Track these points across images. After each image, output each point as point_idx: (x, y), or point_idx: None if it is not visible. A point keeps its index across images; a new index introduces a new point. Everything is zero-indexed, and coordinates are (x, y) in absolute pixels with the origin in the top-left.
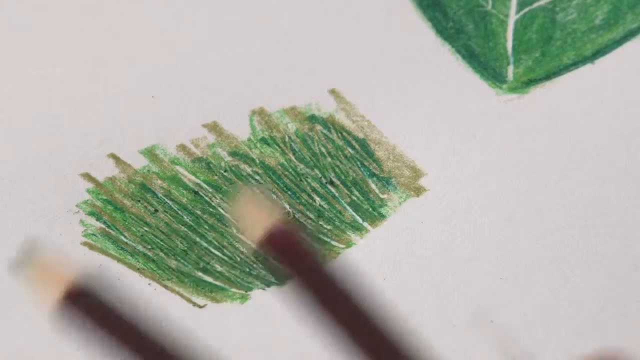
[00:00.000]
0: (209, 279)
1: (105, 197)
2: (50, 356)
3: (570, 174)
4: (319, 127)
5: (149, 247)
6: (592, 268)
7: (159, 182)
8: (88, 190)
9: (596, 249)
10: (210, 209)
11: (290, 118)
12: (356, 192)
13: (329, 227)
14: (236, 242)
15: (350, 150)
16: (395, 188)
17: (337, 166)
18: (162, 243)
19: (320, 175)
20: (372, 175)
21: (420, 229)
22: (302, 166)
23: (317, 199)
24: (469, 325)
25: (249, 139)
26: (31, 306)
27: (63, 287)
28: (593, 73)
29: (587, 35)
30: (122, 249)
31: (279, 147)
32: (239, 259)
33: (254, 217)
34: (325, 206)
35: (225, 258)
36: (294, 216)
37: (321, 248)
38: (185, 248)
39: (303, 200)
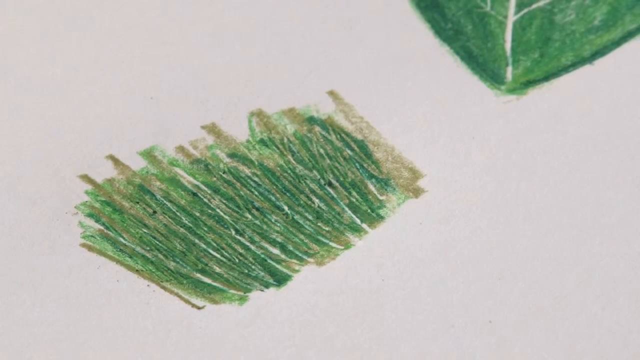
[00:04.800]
0: (208, 281)
1: (103, 199)
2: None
3: (569, 174)
4: (317, 129)
5: (148, 248)
6: (591, 268)
7: (158, 183)
8: (87, 192)
9: (595, 249)
10: (209, 211)
11: (289, 119)
12: (355, 194)
13: (327, 229)
14: (234, 243)
15: (349, 151)
16: (394, 189)
17: (336, 167)
18: (160, 244)
19: (319, 177)
20: (371, 176)
21: (419, 230)
22: (300, 167)
23: (316, 200)
24: (467, 325)
25: (248, 141)
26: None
27: None
28: (592, 74)
29: (586, 37)
30: (120, 250)
31: (278, 148)
32: (237, 260)
33: None
34: (324, 207)
35: (224, 259)
36: (292, 218)
37: None
38: (184, 249)
39: (302, 202)
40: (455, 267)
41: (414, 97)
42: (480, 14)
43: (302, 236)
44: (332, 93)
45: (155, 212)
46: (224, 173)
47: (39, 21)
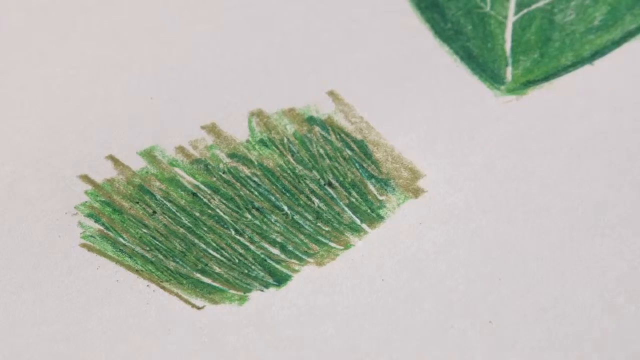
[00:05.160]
0: (208, 281)
1: (103, 199)
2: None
3: (569, 174)
4: (317, 129)
5: (148, 248)
6: (591, 268)
7: (158, 183)
8: (86, 192)
9: (595, 249)
10: (209, 211)
11: (289, 120)
12: (355, 194)
13: (327, 229)
14: (234, 243)
15: (348, 151)
16: (394, 189)
17: (336, 168)
18: (160, 245)
19: (318, 177)
20: (371, 176)
21: (419, 230)
22: (300, 168)
23: (316, 200)
24: (467, 325)
25: (248, 141)
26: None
27: None
28: (591, 74)
29: (586, 37)
30: (120, 250)
31: (278, 148)
32: (237, 260)
33: None
34: (324, 208)
35: (224, 259)
36: (292, 218)
37: None
38: (184, 249)
39: (302, 202)
40: (455, 267)
41: (414, 97)
42: (480, 14)
43: (302, 236)
44: (331, 93)
45: (155, 212)
46: (223, 173)
47: (39, 22)
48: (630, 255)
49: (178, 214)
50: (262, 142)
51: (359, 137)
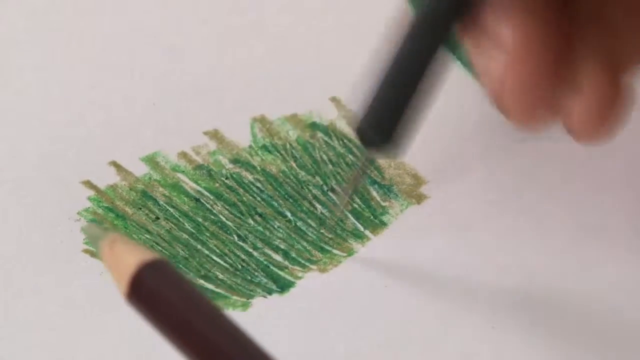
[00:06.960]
0: (211, 287)
1: (106, 205)
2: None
3: (573, 181)
4: (320, 135)
5: None
6: (595, 276)
7: (160, 189)
8: (89, 198)
9: (598, 255)
10: (212, 217)
11: (292, 125)
12: (357, 200)
13: (330, 235)
14: (237, 250)
15: (351, 157)
16: (397, 196)
17: (339, 173)
18: (163, 250)
19: (321, 183)
20: (374, 182)
21: (422, 236)
22: (303, 173)
23: (319, 206)
24: (470, 331)
25: (250, 146)
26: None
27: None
28: None
29: None
30: None
31: (280, 154)
32: (240, 266)
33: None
34: (327, 214)
35: (227, 265)
36: (295, 224)
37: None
38: (187, 255)
39: (304, 208)
40: (458, 273)
41: None
42: None
43: (305, 243)
44: (334, 99)
45: (157, 218)
46: (226, 179)
47: (40, 26)
48: (633, 263)
49: (181, 219)
50: (264, 147)
51: None
